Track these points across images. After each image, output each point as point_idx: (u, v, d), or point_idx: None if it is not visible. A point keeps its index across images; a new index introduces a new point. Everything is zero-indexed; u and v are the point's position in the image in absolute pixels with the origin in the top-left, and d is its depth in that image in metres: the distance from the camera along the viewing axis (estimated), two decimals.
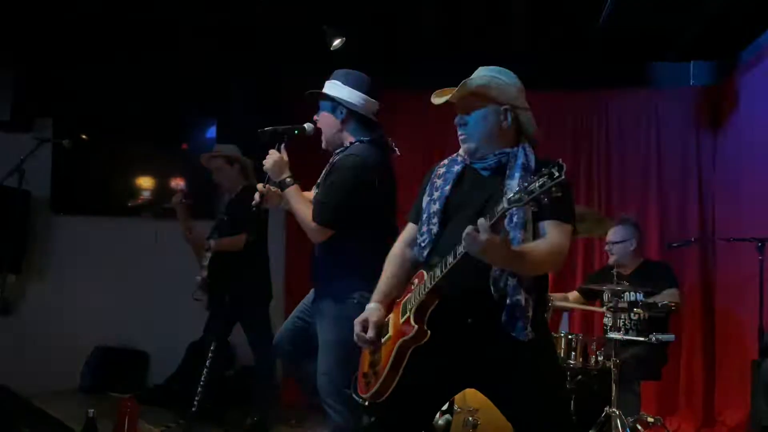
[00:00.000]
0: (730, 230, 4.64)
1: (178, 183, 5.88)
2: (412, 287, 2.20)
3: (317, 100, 2.86)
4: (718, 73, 5.18)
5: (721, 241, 4.60)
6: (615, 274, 3.83)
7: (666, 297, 3.92)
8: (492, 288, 2.02)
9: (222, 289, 4.28)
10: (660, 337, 3.54)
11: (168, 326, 5.60)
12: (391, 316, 2.26)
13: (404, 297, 2.23)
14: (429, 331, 2.07)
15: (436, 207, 2.22)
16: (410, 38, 5.20)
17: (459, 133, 2.22)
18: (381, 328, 2.25)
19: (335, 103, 2.79)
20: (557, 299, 4.26)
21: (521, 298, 2.00)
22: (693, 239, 4.34)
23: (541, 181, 1.75)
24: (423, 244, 2.22)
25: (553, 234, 2.04)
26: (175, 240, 4.79)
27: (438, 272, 2.04)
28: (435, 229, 2.19)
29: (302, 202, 2.74)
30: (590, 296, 4.38)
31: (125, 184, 5.91)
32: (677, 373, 4.92)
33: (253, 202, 2.78)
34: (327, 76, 2.88)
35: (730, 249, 4.43)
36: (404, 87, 5.58)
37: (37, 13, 5.14)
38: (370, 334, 2.22)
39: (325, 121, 2.83)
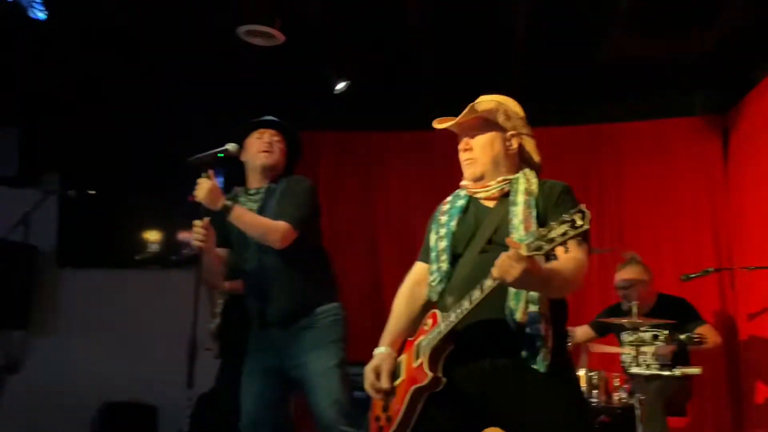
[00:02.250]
0: (746, 259, 4.54)
1: (185, 236, 5.85)
2: (425, 328, 2.12)
3: (284, 130, 3.01)
4: (724, 102, 5.14)
5: (739, 270, 4.49)
6: (633, 306, 3.71)
7: (707, 333, 3.85)
8: (508, 319, 1.96)
9: (234, 336, 4.20)
10: (685, 370, 3.43)
11: (176, 378, 5.44)
12: (403, 357, 2.19)
13: (417, 337, 2.16)
14: (444, 379, 2.00)
15: (443, 244, 2.18)
16: (409, 80, 5.22)
17: (465, 158, 2.20)
18: (394, 374, 2.17)
19: (297, 149, 3.04)
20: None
21: (541, 326, 1.93)
22: (711, 269, 4.23)
23: (563, 229, 1.70)
24: (434, 283, 2.17)
25: (576, 251, 1.96)
26: (181, 291, 4.70)
27: (453, 317, 1.98)
28: (445, 266, 2.15)
29: (253, 215, 2.76)
30: (603, 331, 4.27)
31: (132, 237, 5.87)
32: (704, 409, 4.75)
33: (194, 244, 2.69)
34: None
35: (750, 277, 4.32)
36: (404, 128, 5.61)
37: (42, 69, 5.20)
38: (385, 384, 2.14)
39: (282, 153, 2.96)
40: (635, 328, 3.67)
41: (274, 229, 2.68)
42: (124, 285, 5.76)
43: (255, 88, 5.26)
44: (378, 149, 5.65)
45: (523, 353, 1.95)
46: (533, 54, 4.79)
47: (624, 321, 3.65)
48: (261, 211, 2.81)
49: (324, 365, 2.71)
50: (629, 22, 4.27)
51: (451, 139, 2.31)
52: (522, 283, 1.80)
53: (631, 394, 3.61)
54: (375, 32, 4.65)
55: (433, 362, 2.01)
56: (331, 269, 2.96)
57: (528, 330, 1.94)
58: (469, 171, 2.20)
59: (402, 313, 2.28)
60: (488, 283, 1.86)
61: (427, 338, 2.07)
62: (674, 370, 3.46)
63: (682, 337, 3.61)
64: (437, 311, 2.10)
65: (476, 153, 2.17)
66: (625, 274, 4.09)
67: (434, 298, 2.18)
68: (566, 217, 1.70)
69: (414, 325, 2.24)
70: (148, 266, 5.78)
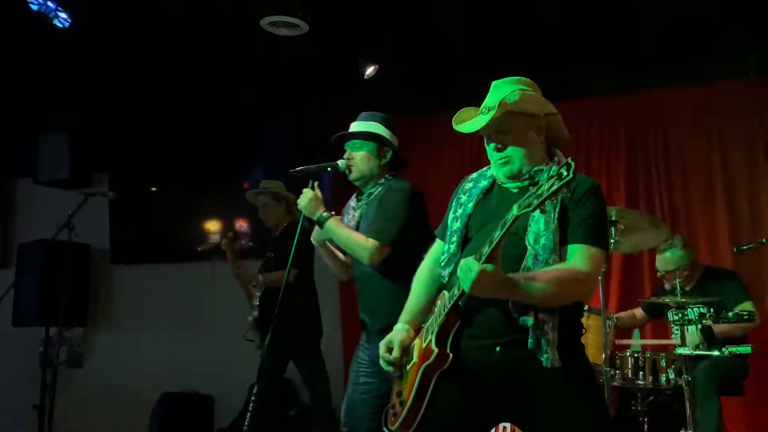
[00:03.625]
0: None
1: (242, 225, 5.93)
2: (435, 310, 2.08)
3: (356, 138, 2.90)
4: None
5: None
6: (677, 285, 3.54)
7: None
8: (512, 309, 1.87)
9: (272, 327, 4.24)
10: (733, 349, 3.24)
11: (231, 368, 5.61)
12: (416, 341, 2.14)
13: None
14: (451, 354, 1.94)
15: (457, 225, 2.11)
16: (445, 60, 5.10)
17: (499, 158, 2.04)
18: (406, 349, 2.14)
19: (380, 143, 2.88)
20: (624, 318, 4.03)
21: (531, 318, 1.84)
22: (764, 239, 3.97)
23: (550, 182, 1.62)
24: (443, 264, 2.12)
25: (576, 259, 1.86)
26: (234, 281, 4.79)
27: (456, 291, 1.91)
28: (453, 248, 2.08)
29: (347, 229, 2.78)
30: (655, 313, 4.11)
31: (182, 231, 5.99)
32: (765, 387, 4.51)
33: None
34: (363, 108, 3.03)
35: None
36: (439, 109, 5.50)
37: (90, 73, 5.35)
38: (395, 354, 2.12)
39: (366, 159, 2.88)
40: (681, 307, 3.49)
41: (363, 247, 2.69)
42: (177, 279, 5.92)
43: (286, 78, 5.27)
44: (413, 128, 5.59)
45: (530, 344, 1.86)
46: (575, 24, 4.60)
47: (667, 300, 3.47)
48: (362, 218, 2.85)
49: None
50: None
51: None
52: (480, 290, 1.75)
53: (679, 374, 3.44)
54: (402, 12, 4.57)
55: (440, 338, 1.97)
56: None
57: (524, 319, 1.86)
58: (503, 170, 2.04)
59: (420, 292, 2.24)
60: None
61: (434, 317, 2.05)
62: (723, 349, 3.27)
63: (730, 314, 3.41)
64: (445, 292, 2.05)
65: (510, 151, 2.01)
66: (664, 263, 3.88)
67: (444, 279, 2.12)
68: (553, 172, 1.63)
69: (432, 305, 2.18)
70: (200, 260, 5.89)
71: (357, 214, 2.89)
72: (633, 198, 4.98)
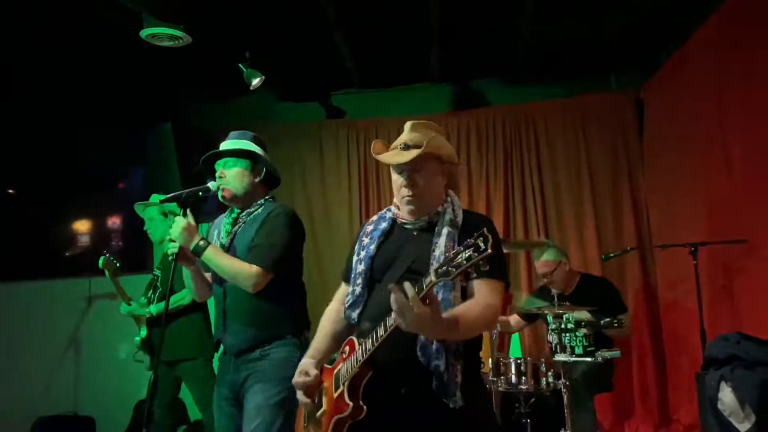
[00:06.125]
0: (665, 235, 4.69)
1: (114, 222, 5.67)
2: (343, 356, 2.12)
3: (229, 156, 2.78)
4: (640, 78, 5.24)
5: (656, 248, 4.64)
6: (555, 295, 3.80)
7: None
8: (419, 354, 1.96)
9: (162, 347, 4.11)
10: (607, 354, 3.54)
11: (112, 387, 5.39)
12: (325, 385, 2.18)
13: (336, 365, 2.15)
14: (365, 407, 2.00)
15: (361, 267, 2.16)
16: (329, 71, 5.14)
17: (407, 194, 2.11)
18: (317, 377, 2.17)
19: (253, 161, 2.78)
20: (502, 324, 4.24)
21: (441, 363, 1.94)
22: (628, 248, 4.36)
23: (467, 254, 1.71)
24: (348, 305, 2.18)
25: (484, 293, 1.99)
26: (113, 298, 4.59)
27: (369, 344, 1.97)
28: (358, 290, 2.15)
29: (227, 257, 2.65)
30: (532, 318, 4.36)
31: (58, 241, 5.67)
32: (630, 378, 4.96)
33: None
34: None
35: (668, 255, 4.47)
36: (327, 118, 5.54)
37: None
38: (313, 378, 2.16)
39: (240, 177, 2.77)
40: (558, 316, 3.75)
41: (247, 275, 2.58)
42: (50, 296, 5.60)
43: (165, 88, 5.11)
44: (302, 138, 5.60)
45: (434, 387, 1.96)
46: (451, 40, 4.77)
47: (546, 311, 3.72)
48: (236, 238, 2.74)
49: (260, 402, 2.56)
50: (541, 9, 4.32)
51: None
52: (419, 328, 1.81)
53: (558, 378, 3.70)
54: (289, 23, 4.55)
55: (352, 391, 2.02)
56: (299, 301, 2.77)
57: (435, 365, 1.95)
58: (410, 208, 2.13)
59: (327, 332, 2.28)
60: (390, 322, 1.87)
61: (345, 367, 2.08)
62: (597, 355, 3.56)
63: (603, 322, 3.72)
64: (354, 338, 2.10)
65: (421, 190, 2.10)
66: (544, 264, 4.15)
67: (353, 321, 2.18)
68: (470, 241, 1.71)
69: (339, 343, 2.22)
70: (75, 275, 5.59)
71: (231, 231, 2.78)
72: (509, 208, 5.26)
